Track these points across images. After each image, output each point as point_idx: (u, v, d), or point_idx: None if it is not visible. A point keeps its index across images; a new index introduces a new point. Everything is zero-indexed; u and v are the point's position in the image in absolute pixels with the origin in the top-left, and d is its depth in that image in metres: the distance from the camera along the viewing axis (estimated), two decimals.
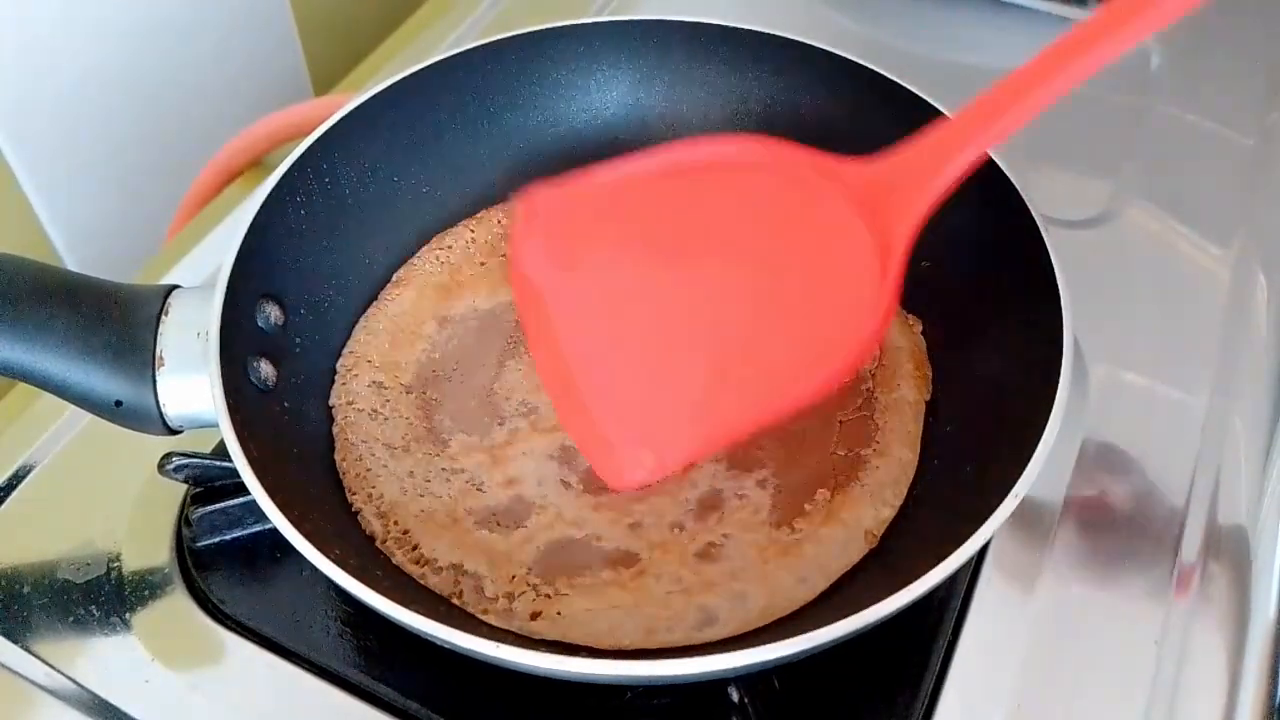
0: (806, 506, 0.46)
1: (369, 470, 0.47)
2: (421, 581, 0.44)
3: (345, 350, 0.51)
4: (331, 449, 0.48)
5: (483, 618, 0.43)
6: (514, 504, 0.46)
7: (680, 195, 0.49)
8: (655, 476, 0.44)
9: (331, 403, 0.49)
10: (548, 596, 0.43)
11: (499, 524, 0.46)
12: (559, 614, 0.42)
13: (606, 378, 0.45)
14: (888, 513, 0.46)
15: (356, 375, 0.50)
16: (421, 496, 0.47)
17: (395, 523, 0.45)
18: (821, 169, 0.47)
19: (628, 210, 0.49)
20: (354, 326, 0.52)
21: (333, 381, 0.50)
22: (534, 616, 0.43)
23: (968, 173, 0.44)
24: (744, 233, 0.48)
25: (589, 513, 0.46)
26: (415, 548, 0.45)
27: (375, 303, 0.53)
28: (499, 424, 0.49)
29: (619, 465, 0.43)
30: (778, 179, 0.48)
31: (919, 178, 0.44)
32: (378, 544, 0.45)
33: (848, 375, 0.45)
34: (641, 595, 0.43)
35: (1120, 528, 0.50)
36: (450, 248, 0.55)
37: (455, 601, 0.43)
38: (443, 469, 0.48)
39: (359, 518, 0.46)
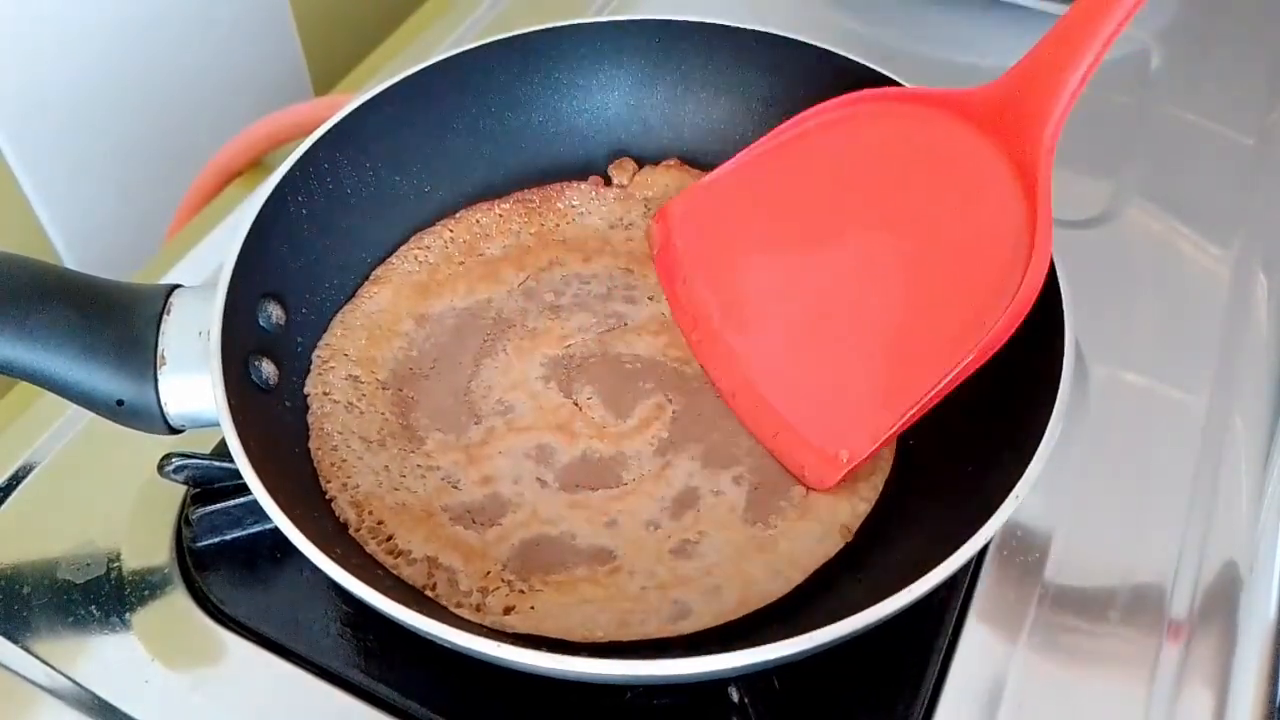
0: (782, 503, 0.46)
1: (344, 461, 0.47)
2: (395, 572, 0.44)
3: (321, 343, 0.51)
4: None
5: (456, 611, 0.43)
6: (489, 502, 0.46)
7: (806, 169, 0.48)
8: (853, 469, 0.45)
9: (306, 391, 0.49)
10: (521, 592, 0.43)
11: (474, 521, 0.46)
12: (532, 608, 0.43)
13: (785, 377, 0.45)
14: (863, 508, 0.46)
15: (333, 368, 0.50)
16: (396, 490, 0.46)
17: (370, 513, 0.45)
18: (941, 102, 0.46)
19: (759, 200, 0.48)
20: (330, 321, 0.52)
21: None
22: (507, 611, 0.42)
23: (1092, 71, 0.41)
24: (877, 189, 0.46)
25: (565, 511, 0.46)
26: (390, 538, 0.45)
27: (352, 299, 0.52)
28: (475, 423, 0.49)
29: (818, 465, 0.44)
30: (899, 125, 0.47)
31: (1048, 80, 0.42)
32: (351, 532, 0.45)
33: (1019, 318, 0.42)
34: (615, 590, 0.43)
35: (1120, 526, 0.50)
36: (429, 247, 0.55)
37: (429, 594, 0.43)
38: (418, 465, 0.48)
39: (332, 505, 0.46)
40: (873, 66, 0.54)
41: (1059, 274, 0.45)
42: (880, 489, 0.47)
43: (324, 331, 0.51)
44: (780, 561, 0.44)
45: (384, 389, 0.50)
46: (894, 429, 0.44)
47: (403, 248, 0.55)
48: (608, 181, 0.58)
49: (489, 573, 0.44)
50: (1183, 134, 0.68)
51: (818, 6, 0.78)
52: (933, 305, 0.44)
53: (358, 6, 0.92)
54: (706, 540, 0.45)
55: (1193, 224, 0.62)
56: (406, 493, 0.46)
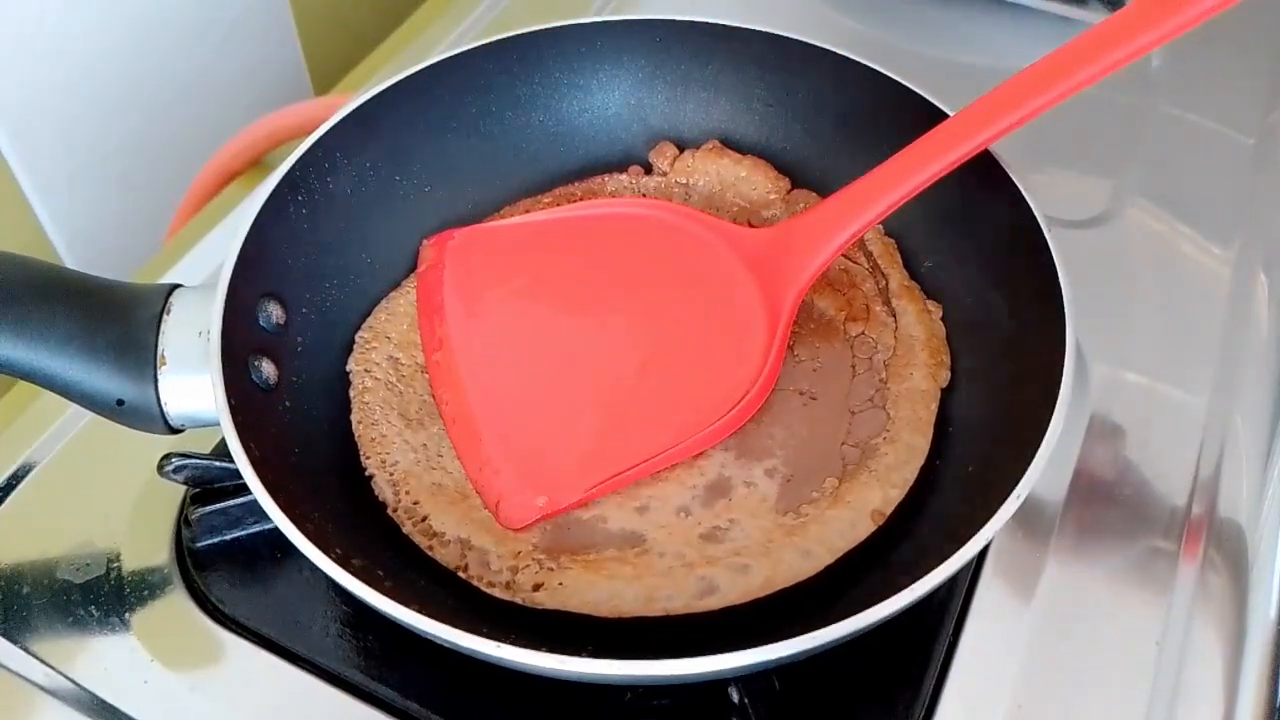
0: (814, 494, 0.46)
1: (384, 436, 0.48)
2: (429, 553, 0.44)
3: (364, 325, 0.52)
4: (333, 448, 0.48)
5: (488, 590, 0.43)
6: None
7: (587, 244, 0.54)
8: (545, 517, 0.46)
9: (349, 368, 0.50)
10: (551, 569, 0.44)
11: None
12: (560, 585, 0.43)
13: (505, 419, 0.48)
14: (895, 494, 0.46)
15: (375, 348, 0.51)
16: (433, 469, 0.47)
17: (407, 493, 0.46)
18: (722, 233, 0.53)
19: (535, 256, 0.53)
20: (374, 306, 0.53)
21: (336, 380, 0.50)
22: (536, 588, 0.43)
23: (850, 243, 0.48)
24: (644, 285, 0.52)
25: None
26: (425, 519, 0.45)
27: (398, 288, 0.53)
28: None
29: (510, 504, 0.46)
30: (681, 237, 0.53)
31: (806, 247, 0.49)
32: (389, 512, 0.46)
33: (731, 429, 0.48)
34: (644, 569, 0.44)
35: (1121, 527, 0.50)
36: None
37: (461, 575, 0.44)
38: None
39: (371, 483, 0.47)
40: (873, 66, 0.54)
41: (1059, 274, 0.45)
42: (914, 478, 0.46)
43: (351, 336, 0.51)
44: (811, 544, 0.44)
45: (422, 372, 0.51)
46: (593, 491, 0.46)
47: None
48: (647, 170, 0.58)
49: (520, 552, 0.44)
50: (1183, 134, 0.68)
51: (818, 6, 0.78)
52: (660, 398, 0.48)
53: (357, 7, 0.92)
54: (737, 527, 0.45)
55: (1193, 224, 0.62)
56: (443, 473, 0.47)
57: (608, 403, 0.48)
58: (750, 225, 0.56)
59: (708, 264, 0.52)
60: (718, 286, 0.51)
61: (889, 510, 0.45)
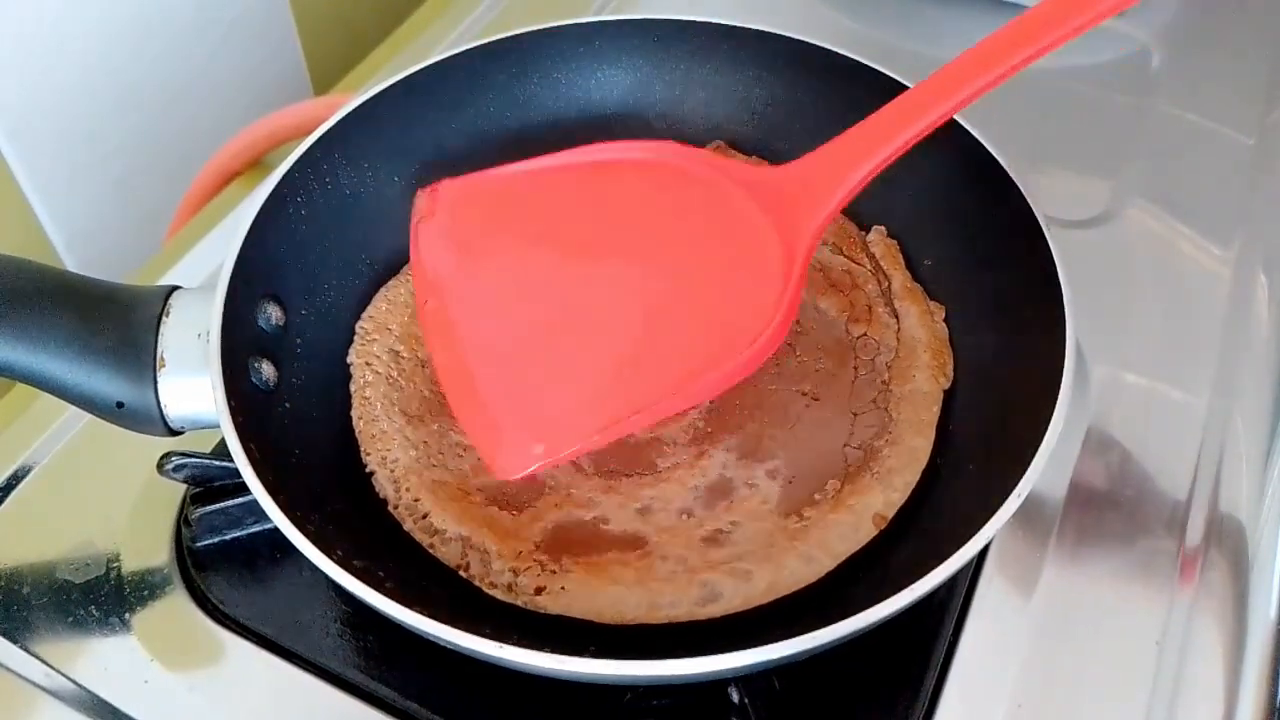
0: (816, 496, 0.46)
1: (384, 432, 0.48)
2: (431, 551, 0.44)
3: (364, 314, 0.52)
4: (333, 449, 0.48)
5: (489, 591, 0.43)
6: (525, 483, 0.47)
7: (590, 190, 0.51)
8: (543, 465, 0.43)
9: (350, 360, 0.50)
10: (553, 572, 0.43)
11: (509, 502, 0.46)
12: (563, 589, 0.43)
13: (501, 366, 0.45)
14: (896, 497, 0.46)
15: (375, 340, 0.51)
16: (434, 466, 0.47)
17: (407, 489, 0.46)
18: (731, 173, 0.50)
19: (535, 202, 0.51)
20: (372, 296, 0.53)
21: (336, 381, 0.50)
22: (539, 591, 0.43)
23: (870, 178, 0.46)
24: (650, 229, 0.49)
25: (599, 495, 0.47)
26: (425, 516, 0.45)
27: (398, 275, 0.53)
28: None
29: (507, 453, 0.43)
30: (688, 180, 0.50)
31: (825, 182, 0.46)
32: (389, 509, 0.46)
33: (747, 371, 0.45)
34: (646, 573, 0.44)
35: (1121, 528, 0.50)
36: None
37: (463, 574, 0.44)
38: (456, 443, 0.48)
39: (372, 480, 0.47)
40: (873, 65, 0.54)
41: (1059, 274, 0.45)
42: (915, 481, 0.46)
43: (350, 337, 0.51)
44: (812, 549, 0.44)
45: (423, 366, 0.51)
46: (594, 437, 0.43)
47: None
48: None
49: (521, 553, 0.44)
50: (1183, 134, 0.68)
51: (817, 6, 0.78)
52: (669, 339, 0.45)
53: (357, 6, 0.92)
54: (739, 530, 0.45)
55: (1193, 224, 0.62)
56: (444, 470, 0.47)
57: (612, 348, 0.45)
58: None
59: (717, 205, 0.49)
60: (728, 227, 0.48)
61: (890, 514, 0.45)
